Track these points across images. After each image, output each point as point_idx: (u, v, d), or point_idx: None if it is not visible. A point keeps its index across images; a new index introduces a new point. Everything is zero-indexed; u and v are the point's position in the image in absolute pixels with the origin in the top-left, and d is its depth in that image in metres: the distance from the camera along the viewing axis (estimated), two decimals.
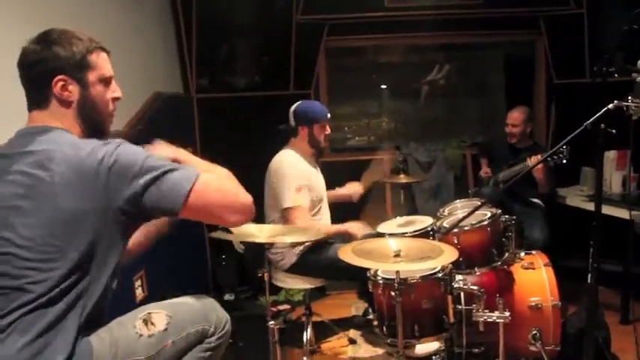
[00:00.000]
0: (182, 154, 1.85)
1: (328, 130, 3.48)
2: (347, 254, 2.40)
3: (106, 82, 1.73)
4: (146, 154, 1.60)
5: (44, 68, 1.63)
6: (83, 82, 1.67)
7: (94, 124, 1.72)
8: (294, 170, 3.30)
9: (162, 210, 1.59)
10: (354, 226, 3.31)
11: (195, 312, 1.79)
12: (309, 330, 3.39)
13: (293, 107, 3.44)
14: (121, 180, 1.54)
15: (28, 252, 1.49)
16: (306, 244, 3.20)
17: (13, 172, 1.54)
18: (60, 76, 1.63)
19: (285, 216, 3.23)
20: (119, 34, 3.38)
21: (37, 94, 1.66)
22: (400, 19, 4.78)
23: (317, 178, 3.46)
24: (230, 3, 4.65)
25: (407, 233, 3.14)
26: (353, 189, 3.81)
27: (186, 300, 1.84)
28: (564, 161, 3.53)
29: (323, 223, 3.40)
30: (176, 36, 4.58)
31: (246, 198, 1.71)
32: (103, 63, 1.72)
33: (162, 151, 1.79)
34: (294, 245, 3.22)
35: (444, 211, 3.35)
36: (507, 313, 2.59)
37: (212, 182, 1.64)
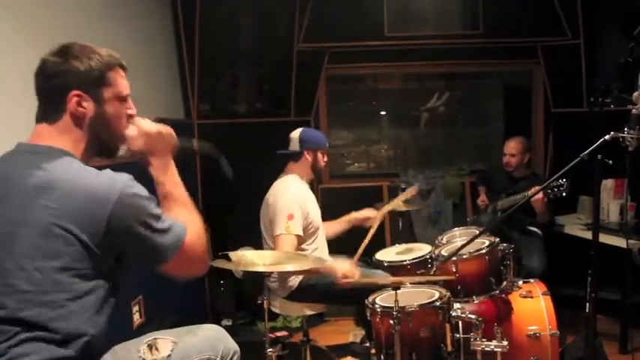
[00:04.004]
0: (165, 131, 1.79)
1: (326, 158, 3.54)
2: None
3: (122, 99, 1.71)
4: (150, 203, 1.58)
5: (61, 82, 1.61)
6: (99, 99, 1.65)
7: (103, 143, 1.70)
8: (288, 197, 3.28)
9: (142, 263, 1.63)
10: (347, 271, 3.10)
11: (203, 341, 1.77)
12: (306, 357, 3.37)
13: (297, 133, 3.46)
14: (122, 225, 1.52)
15: (25, 283, 1.45)
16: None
17: (16, 195, 1.51)
18: (76, 91, 1.61)
19: (274, 243, 3.22)
20: (122, 59, 3.44)
21: (50, 107, 1.64)
22: (400, 48, 4.85)
23: (314, 205, 3.46)
24: (232, 30, 4.72)
25: (405, 261, 3.14)
26: (369, 213, 3.62)
27: (195, 328, 1.83)
28: (564, 194, 3.55)
29: (316, 256, 3.24)
30: (178, 62, 4.63)
31: (207, 258, 1.74)
32: (120, 80, 1.70)
33: (146, 125, 1.76)
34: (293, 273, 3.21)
35: (442, 239, 3.36)
36: (505, 343, 2.59)
37: (195, 247, 1.65)
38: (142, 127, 1.75)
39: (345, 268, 3.12)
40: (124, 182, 1.54)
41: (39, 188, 1.50)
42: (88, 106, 1.63)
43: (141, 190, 1.58)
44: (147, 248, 1.57)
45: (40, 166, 1.53)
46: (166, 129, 1.79)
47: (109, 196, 1.50)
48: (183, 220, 1.67)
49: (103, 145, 1.71)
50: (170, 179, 1.76)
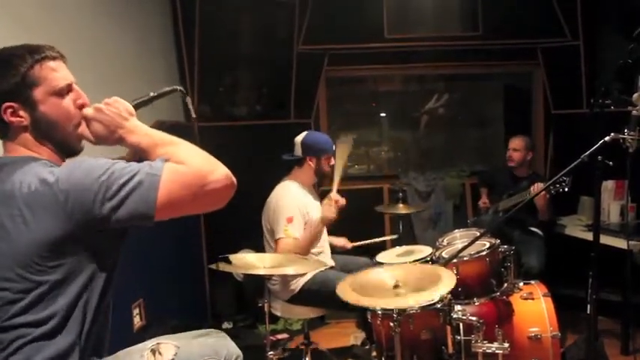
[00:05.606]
0: (110, 100, 1.64)
1: (333, 161, 3.47)
2: (346, 291, 2.46)
3: (59, 93, 1.59)
4: (102, 170, 1.46)
5: None
6: (30, 103, 1.55)
7: (58, 143, 1.62)
8: (288, 201, 3.29)
9: (135, 223, 1.49)
10: (325, 210, 3.23)
11: (206, 345, 1.76)
12: None
13: (300, 138, 3.44)
14: (83, 203, 1.44)
15: (10, 293, 1.46)
16: (307, 274, 3.19)
17: None
18: (6, 104, 1.53)
19: (275, 246, 3.22)
20: (122, 62, 3.43)
21: None
22: (399, 50, 4.85)
23: (316, 210, 3.45)
24: (232, 32, 4.72)
25: (406, 263, 3.13)
26: (342, 242, 3.81)
27: (199, 333, 1.82)
28: (566, 189, 3.57)
29: (304, 235, 3.25)
30: (178, 65, 4.63)
31: (221, 173, 1.56)
32: (50, 74, 1.57)
33: (90, 110, 1.63)
34: (294, 276, 3.20)
35: (442, 241, 3.35)
36: (506, 344, 2.58)
37: (179, 173, 1.49)
38: (86, 114, 1.63)
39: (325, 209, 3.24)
40: (60, 177, 1.46)
41: (4, 199, 1.48)
42: (23, 113, 1.56)
43: (81, 167, 1.48)
44: (124, 214, 1.45)
45: (5, 178, 1.51)
46: (111, 98, 1.65)
47: (57, 199, 1.44)
48: (162, 155, 1.54)
49: (61, 145, 1.63)
50: (142, 135, 1.62)
